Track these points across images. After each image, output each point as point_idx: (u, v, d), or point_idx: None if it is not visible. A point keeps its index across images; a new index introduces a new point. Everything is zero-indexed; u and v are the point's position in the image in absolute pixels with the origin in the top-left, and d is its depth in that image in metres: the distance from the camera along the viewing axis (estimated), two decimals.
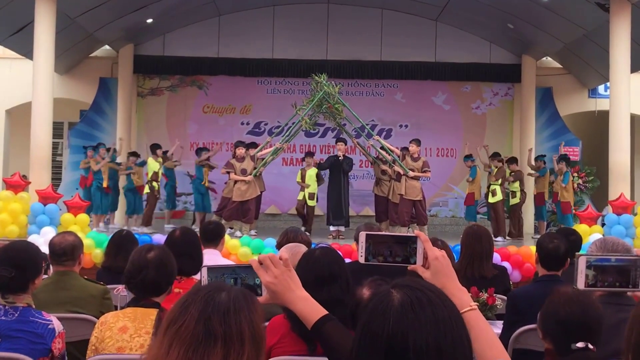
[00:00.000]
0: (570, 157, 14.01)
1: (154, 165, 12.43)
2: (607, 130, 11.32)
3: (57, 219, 9.81)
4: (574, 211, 12.22)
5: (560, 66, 15.75)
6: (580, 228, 9.33)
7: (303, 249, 3.44)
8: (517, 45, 15.24)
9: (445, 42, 15.48)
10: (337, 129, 13.31)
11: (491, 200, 12.28)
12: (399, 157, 11.79)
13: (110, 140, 14.36)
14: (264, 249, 9.29)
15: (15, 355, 2.80)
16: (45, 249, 3.77)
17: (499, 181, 12.23)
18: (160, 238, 8.68)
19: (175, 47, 15.46)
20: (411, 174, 11.40)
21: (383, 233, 1.87)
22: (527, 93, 15.31)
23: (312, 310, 1.86)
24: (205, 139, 15.43)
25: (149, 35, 15.20)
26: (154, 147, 12.65)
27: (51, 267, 3.98)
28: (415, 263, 1.78)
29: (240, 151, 11.69)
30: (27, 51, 12.36)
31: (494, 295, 4.30)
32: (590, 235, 9.40)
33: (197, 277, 3.69)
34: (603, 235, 9.42)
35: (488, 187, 12.44)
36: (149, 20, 14.31)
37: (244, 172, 11.53)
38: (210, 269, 1.80)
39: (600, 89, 15.68)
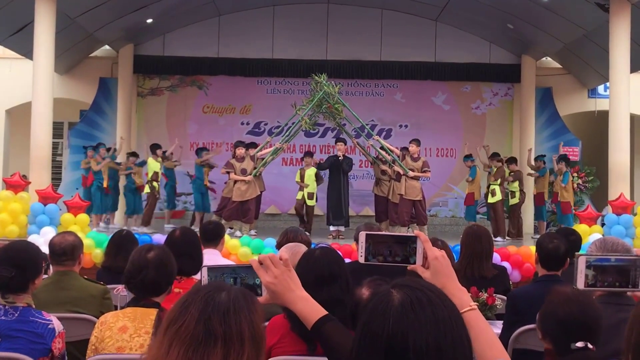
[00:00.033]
0: (570, 157, 14.01)
1: (154, 165, 12.43)
2: (607, 130, 11.32)
3: (57, 219, 9.81)
4: (573, 211, 12.22)
5: (560, 66, 15.75)
6: (580, 228, 9.33)
7: (303, 248, 3.44)
8: (517, 45, 15.24)
9: (445, 42, 15.48)
10: (337, 129, 13.31)
11: (490, 200, 12.28)
12: (398, 157, 11.79)
13: (110, 140, 14.37)
14: (264, 249, 9.28)
15: (15, 355, 2.80)
16: (45, 249, 3.77)
17: (498, 181, 12.23)
18: (160, 238, 8.68)
19: (175, 47, 15.46)
20: (411, 174, 11.40)
21: (383, 233, 1.87)
22: (526, 93, 15.32)
23: (312, 310, 1.86)
24: (205, 139, 15.43)
25: (149, 35, 15.20)
26: (154, 147, 12.66)
27: (51, 267, 3.98)
28: (415, 263, 1.78)
29: (240, 151, 11.69)
30: (27, 51, 12.36)
31: (494, 295, 4.30)
32: (590, 235, 9.40)
33: (197, 277, 3.69)
34: (603, 235, 9.42)
35: (488, 187, 12.44)
36: (149, 20, 14.31)
37: (243, 172, 11.53)
38: (211, 268, 1.80)
39: (600, 89, 15.68)
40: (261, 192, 12.03)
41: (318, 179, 12.11)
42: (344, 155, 12.00)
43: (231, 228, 11.44)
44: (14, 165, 14.85)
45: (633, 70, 11.60)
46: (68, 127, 16.44)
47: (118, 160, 13.43)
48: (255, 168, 11.60)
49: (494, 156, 12.55)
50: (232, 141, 13.34)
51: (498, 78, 15.71)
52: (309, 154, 12.48)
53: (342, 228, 11.93)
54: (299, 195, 12.06)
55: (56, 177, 15.03)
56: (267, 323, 2.76)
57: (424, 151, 13.72)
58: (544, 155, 13.58)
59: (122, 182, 12.97)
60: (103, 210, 12.92)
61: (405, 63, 15.37)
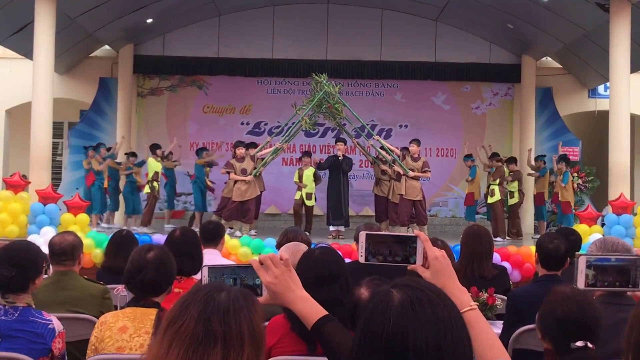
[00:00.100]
0: (570, 157, 14.01)
1: (155, 165, 12.44)
2: (607, 130, 11.32)
3: (57, 219, 9.81)
4: (573, 211, 12.22)
5: (560, 66, 15.75)
6: (580, 228, 9.33)
7: (303, 247, 3.43)
8: (517, 45, 15.24)
9: (445, 42, 15.48)
10: (337, 129, 13.31)
11: (489, 200, 12.28)
12: (398, 157, 11.79)
13: (110, 140, 14.37)
14: (264, 249, 9.28)
15: (15, 355, 2.80)
16: (45, 249, 3.77)
17: (497, 181, 12.23)
18: (160, 238, 8.68)
19: (175, 47, 15.46)
20: (411, 174, 11.40)
21: (383, 233, 1.87)
22: (527, 93, 15.32)
23: (312, 310, 1.86)
24: (205, 139, 15.43)
25: (149, 35, 15.20)
26: (154, 147, 12.67)
27: (51, 267, 3.98)
28: (415, 263, 1.78)
29: (240, 151, 11.69)
30: (27, 51, 12.36)
31: (494, 295, 4.30)
32: (590, 235, 9.40)
33: (197, 277, 3.69)
34: (603, 235, 9.42)
35: (488, 187, 12.45)
36: (149, 20, 14.31)
37: (243, 172, 11.53)
38: (211, 268, 1.80)
39: (600, 89, 15.68)
40: (261, 192, 12.02)
41: (316, 179, 12.11)
42: (343, 155, 11.99)
43: (231, 228, 11.44)
44: (14, 165, 14.85)
45: (633, 70, 11.60)
46: (68, 127, 16.44)
47: (117, 160, 13.42)
48: (255, 168, 11.60)
49: (494, 156, 12.55)
50: (232, 141, 13.34)
51: (498, 78, 15.71)
52: (307, 153, 12.48)
53: (342, 228, 11.92)
54: (297, 196, 12.06)
55: (56, 177, 15.03)
56: (267, 323, 2.76)
57: (424, 151, 13.72)
58: (544, 155, 13.57)
59: (121, 182, 12.97)
60: (103, 210, 12.93)
61: (405, 63, 15.37)
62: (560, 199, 12.70)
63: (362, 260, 1.81)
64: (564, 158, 12.87)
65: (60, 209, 10.07)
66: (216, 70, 15.50)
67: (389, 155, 11.86)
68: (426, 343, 1.25)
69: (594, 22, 12.10)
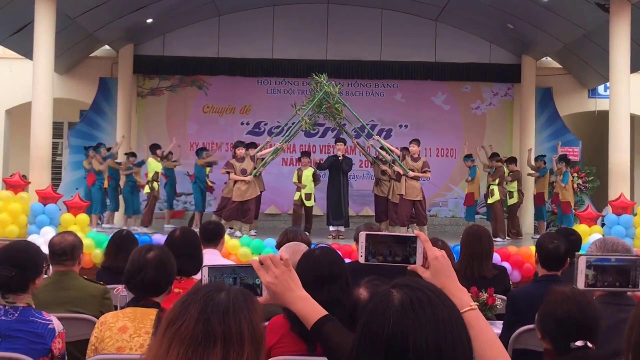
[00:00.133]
0: (570, 157, 14.02)
1: (155, 165, 12.44)
2: (607, 130, 11.32)
3: (57, 219, 9.81)
4: (573, 211, 12.22)
5: (560, 66, 15.75)
6: (580, 228, 9.34)
7: (303, 247, 3.43)
8: (517, 45, 15.24)
9: (445, 42, 15.48)
10: (337, 129, 13.31)
11: (489, 200, 12.29)
12: (398, 157, 11.79)
13: (110, 140, 14.38)
14: (264, 249, 9.28)
15: (15, 355, 2.80)
16: (45, 249, 3.77)
17: (497, 181, 12.23)
18: (160, 238, 8.68)
19: (175, 47, 15.46)
20: (411, 174, 11.40)
21: (383, 233, 1.87)
22: (526, 93, 15.31)
23: (312, 310, 1.86)
24: (205, 139, 15.43)
25: (149, 35, 15.20)
26: (154, 147, 12.67)
27: (51, 267, 3.98)
28: (415, 263, 1.78)
29: (240, 151, 11.69)
30: (27, 51, 12.36)
31: (494, 295, 4.30)
32: (590, 235, 9.40)
33: (197, 277, 3.69)
34: (603, 235, 9.42)
35: (488, 188, 12.45)
36: (149, 20, 14.31)
37: (243, 172, 11.53)
38: (211, 268, 1.80)
39: (600, 89, 15.68)
40: (261, 192, 12.02)
41: (315, 179, 12.11)
42: (343, 155, 11.99)
43: (231, 228, 11.44)
44: (14, 165, 14.85)
45: (633, 70, 11.60)
46: (68, 127, 16.44)
47: (117, 159, 13.42)
48: (255, 168, 11.60)
49: (494, 156, 12.55)
50: (232, 141, 13.35)
51: (498, 78, 15.70)
52: (306, 154, 12.48)
53: (342, 228, 11.92)
54: (296, 197, 12.05)
55: (56, 177, 15.03)
56: (267, 323, 2.76)
57: (424, 151, 13.72)
58: (544, 155, 13.58)
59: (122, 182, 12.96)
60: (103, 211, 12.92)
61: (405, 63, 15.37)
62: (560, 199, 12.71)
63: (362, 260, 1.81)
64: (563, 158, 12.88)
65: (60, 209, 10.07)
66: (216, 70, 15.49)
67: (389, 155, 11.86)
68: (426, 343, 1.25)
69: (594, 22, 12.10)
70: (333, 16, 15.51)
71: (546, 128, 15.57)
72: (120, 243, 4.72)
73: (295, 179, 12.13)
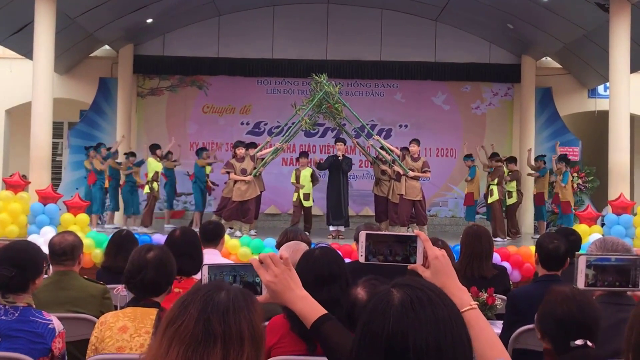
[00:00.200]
0: (570, 157, 14.02)
1: (155, 165, 12.44)
2: (607, 130, 11.32)
3: (57, 219, 9.81)
4: (573, 211, 12.22)
5: (560, 66, 15.75)
6: (580, 228, 9.34)
7: (303, 246, 3.43)
8: (517, 45, 15.24)
9: (445, 42, 15.48)
10: (337, 129, 13.31)
11: (489, 200, 12.29)
12: (398, 157, 11.79)
13: (110, 140, 14.37)
14: (264, 249, 9.28)
15: (15, 355, 2.80)
16: (45, 249, 3.77)
17: (496, 181, 12.23)
18: (160, 238, 8.68)
19: (175, 47, 15.46)
20: (411, 174, 11.40)
21: (383, 232, 1.87)
22: (526, 93, 15.31)
23: (311, 309, 1.86)
24: (205, 139, 15.44)
25: (149, 35, 15.20)
26: (154, 147, 12.67)
27: (51, 267, 3.98)
28: (415, 262, 1.78)
29: (240, 151, 11.69)
30: (27, 51, 12.36)
31: (494, 295, 4.30)
32: (590, 235, 9.40)
33: (197, 277, 3.69)
34: (603, 235, 9.42)
35: (487, 187, 12.45)
36: (149, 20, 14.31)
37: (243, 172, 11.53)
38: (211, 267, 1.81)
39: (600, 89, 15.68)
40: (261, 192, 12.02)
41: (314, 179, 12.10)
42: (343, 155, 11.99)
43: (231, 228, 11.44)
44: (14, 165, 14.85)
45: (633, 70, 11.60)
46: (68, 127, 16.44)
47: (117, 159, 13.42)
48: (255, 168, 11.60)
49: (493, 156, 12.56)
50: (232, 141, 13.35)
51: (498, 78, 15.70)
52: (304, 154, 12.48)
53: (342, 228, 11.92)
54: (295, 197, 12.04)
55: (56, 177, 15.03)
56: (267, 323, 2.76)
57: (424, 151, 13.72)
58: (544, 155, 13.58)
59: (122, 182, 12.96)
60: (103, 211, 12.92)
61: (405, 63, 15.37)
62: (560, 199, 12.71)
63: (362, 260, 1.81)
64: (563, 158, 12.87)
65: (60, 209, 10.07)
66: (216, 70, 15.49)
67: (389, 155, 11.86)
68: (426, 343, 1.25)
69: (594, 22, 12.10)
70: (333, 16, 15.51)
71: (546, 128, 15.57)
72: (120, 243, 4.72)
73: (293, 180, 12.13)
